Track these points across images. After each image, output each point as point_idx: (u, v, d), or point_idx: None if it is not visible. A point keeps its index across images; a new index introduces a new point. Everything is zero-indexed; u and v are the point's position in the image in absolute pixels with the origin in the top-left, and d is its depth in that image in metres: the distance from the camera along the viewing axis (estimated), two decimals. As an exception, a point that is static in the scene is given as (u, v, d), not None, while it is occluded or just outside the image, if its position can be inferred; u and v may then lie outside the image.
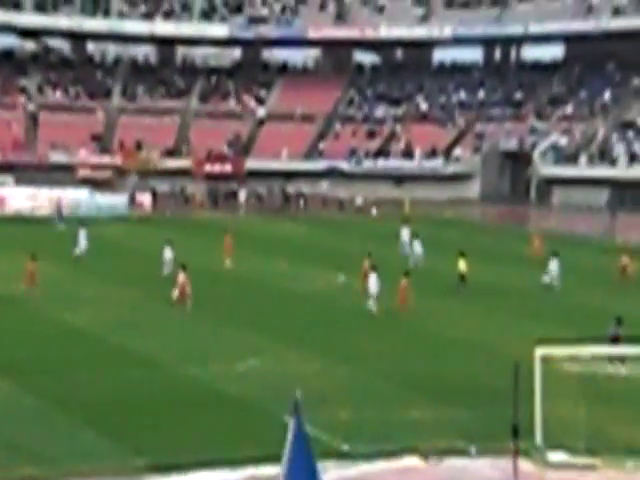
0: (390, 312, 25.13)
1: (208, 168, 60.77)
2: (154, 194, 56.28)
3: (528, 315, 24.49)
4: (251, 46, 71.92)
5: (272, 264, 33.02)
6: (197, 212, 53.69)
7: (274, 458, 13.65)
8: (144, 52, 73.56)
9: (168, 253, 29.95)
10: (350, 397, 17.23)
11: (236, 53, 75.43)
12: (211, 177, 60.34)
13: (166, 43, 70.67)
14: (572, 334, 18.92)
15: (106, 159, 60.20)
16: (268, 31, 68.45)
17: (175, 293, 25.63)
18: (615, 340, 17.20)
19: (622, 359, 16.95)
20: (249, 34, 68.48)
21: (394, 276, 25.54)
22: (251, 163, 61.37)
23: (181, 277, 25.58)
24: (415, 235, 32.97)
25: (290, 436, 7.49)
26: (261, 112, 66.53)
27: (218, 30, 68.19)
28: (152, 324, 23.60)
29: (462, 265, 28.04)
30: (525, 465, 12.71)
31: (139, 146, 61.27)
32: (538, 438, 13.10)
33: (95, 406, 16.57)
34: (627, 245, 36.59)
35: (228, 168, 61.09)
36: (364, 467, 13.46)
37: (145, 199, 55.16)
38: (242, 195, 57.28)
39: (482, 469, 13.36)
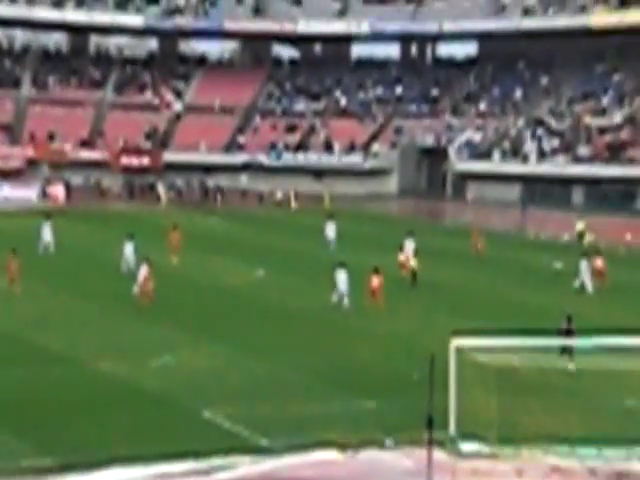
0: (310, 308, 25.19)
1: (125, 161, 59.62)
2: (68, 186, 54.86)
3: (452, 310, 24.84)
4: (167, 37, 70.83)
5: (190, 258, 32.63)
6: (113, 205, 52.61)
7: (188, 454, 13.51)
8: (55, 40, 71.50)
9: (129, 248, 29.46)
10: (268, 391, 17.21)
11: (152, 44, 74.15)
12: (128, 170, 59.22)
13: (78, 31, 68.89)
14: (494, 327, 19.32)
15: (16, 150, 58.34)
16: (185, 22, 67.55)
17: (136, 289, 25.19)
18: (569, 333, 17.63)
19: (571, 354, 17.40)
20: (165, 24, 67.44)
21: (320, 270, 25.56)
22: (169, 156, 60.52)
23: (144, 272, 25.12)
24: (410, 233, 32.31)
25: None
26: (179, 105, 65.65)
27: (133, 20, 66.87)
28: (64, 320, 23.01)
29: (413, 262, 28.27)
30: (439, 455, 12.94)
31: (51, 137, 59.59)
32: (452, 428, 13.36)
33: (2, 404, 16.03)
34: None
35: (145, 161, 60.07)
36: (282, 461, 13.45)
37: (58, 191, 53.73)
38: (161, 188, 56.38)
39: (398, 460, 13.54)
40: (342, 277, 24.83)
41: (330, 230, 36.98)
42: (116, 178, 58.70)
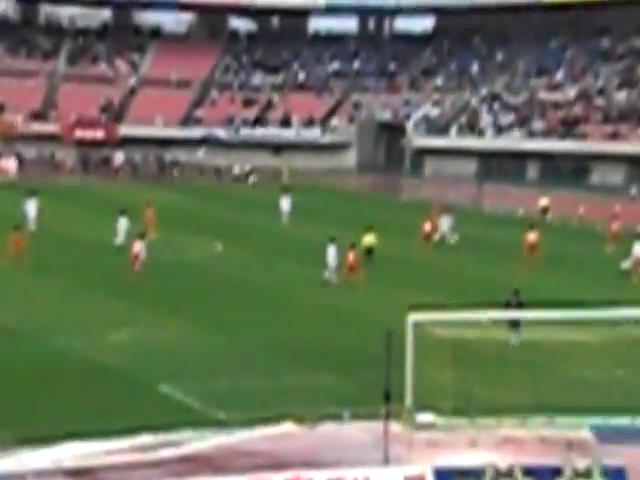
0: (267, 282, 25.20)
1: (79, 134, 58.65)
2: (20, 160, 53.84)
3: (410, 284, 24.95)
4: (121, 7, 69.52)
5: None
6: (68, 179, 51.80)
7: (149, 428, 13.51)
8: (2, 8, 69.64)
9: (123, 223, 29.13)
10: (226, 366, 17.24)
11: (105, 14, 72.70)
12: (82, 143, 58.28)
13: (27, 0, 67.21)
14: (450, 301, 19.55)
15: (-35, 123, 56.99)
16: (140, -7, 66.37)
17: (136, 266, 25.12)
18: (518, 306, 17.98)
19: (517, 327, 17.69)
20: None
21: (276, 244, 25.52)
22: (125, 130, 59.67)
23: (137, 246, 25.05)
24: (445, 210, 33.18)
25: None
26: (134, 77, 64.63)
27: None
28: (18, 294, 22.72)
29: (369, 239, 28.16)
30: (396, 427, 13.13)
31: (1, 109, 58.30)
32: (408, 401, 13.56)
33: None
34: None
35: (100, 134, 59.17)
36: (240, 434, 13.52)
37: (10, 165, 52.73)
38: (119, 158, 55.36)
39: (355, 433, 13.71)
40: (332, 252, 24.90)
41: (285, 203, 37.05)
42: (70, 151, 57.74)
